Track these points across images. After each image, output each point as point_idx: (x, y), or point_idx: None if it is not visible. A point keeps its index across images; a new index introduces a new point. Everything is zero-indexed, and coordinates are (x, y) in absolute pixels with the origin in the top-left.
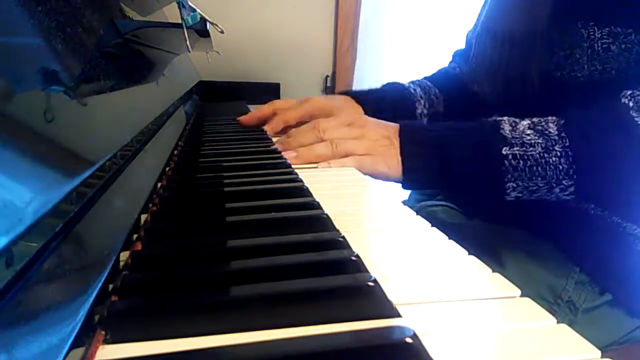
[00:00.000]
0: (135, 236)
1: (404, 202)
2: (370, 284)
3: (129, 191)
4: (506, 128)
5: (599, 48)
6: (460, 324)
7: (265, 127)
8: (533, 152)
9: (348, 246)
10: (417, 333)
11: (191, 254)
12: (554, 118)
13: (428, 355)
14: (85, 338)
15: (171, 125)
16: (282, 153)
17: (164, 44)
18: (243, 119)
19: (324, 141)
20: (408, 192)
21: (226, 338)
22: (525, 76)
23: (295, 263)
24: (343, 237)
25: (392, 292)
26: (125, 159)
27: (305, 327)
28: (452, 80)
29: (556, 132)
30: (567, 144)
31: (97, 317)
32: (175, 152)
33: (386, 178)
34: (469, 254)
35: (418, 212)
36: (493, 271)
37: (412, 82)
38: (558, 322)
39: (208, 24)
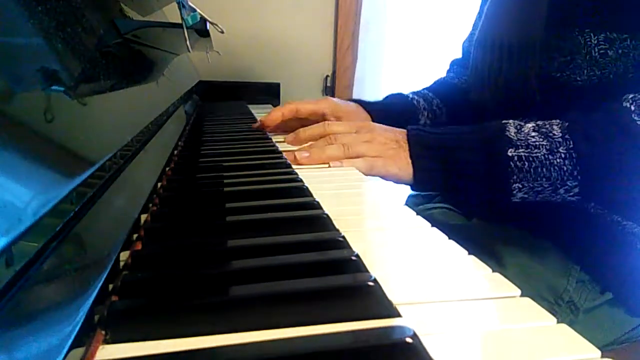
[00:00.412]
0: (135, 236)
1: None
2: (370, 283)
3: (129, 191)
4: (511, 130)
5: (596, 54)
6: (460, 324)
7: (276, 110)
8: (538, 154)
9: (348, 246)
10: (417, 333)
11: (191, 254)
12: (558, 121)
13: (428, 355)
14: (85, 338)
15: (171, 125)
16: (295, 153)
17: (164, 44)
18: (264, 118)
19: (335, 144)
20: (406, 194)
21: (226, 338)
22: (526, 82)
23: (295, 263)
24: (343, 237)
25: (392, 292)
26: (125, 159)
27: (305, 327)
28: (452, 90)
29: (560, 135)
30: (571, 145)
31: (97, 317)
32: (175, 152)
33: (397, 180)
34: (469, 254)
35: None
36: (493, 271)
37: (414, 93)
38: (558, 322)
39: (208, 24)
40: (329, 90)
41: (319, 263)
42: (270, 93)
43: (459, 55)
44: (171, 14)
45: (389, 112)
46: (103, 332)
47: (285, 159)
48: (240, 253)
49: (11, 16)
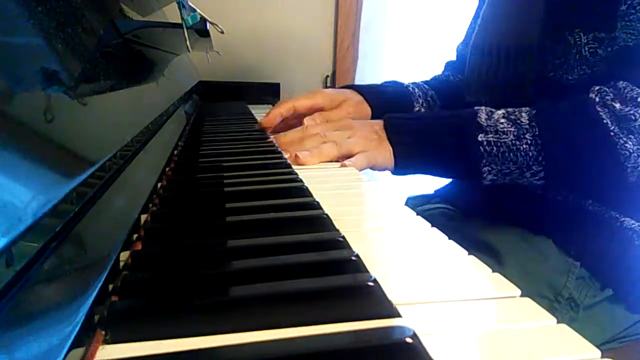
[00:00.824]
0: (135, 236)
1: None
2: (370, 284)
3: (129, 191)
4: (482, 116)
5: (586, 53)
6: (460, 324)
7: (275, 110)
8: (506, 140)
9: (348, 246)
10: (417, 333)
11: (191, 254)
12: (527, 108)
13: (428, 355)
14: (85, 338)
15: (171, 125)
16: (298, 153)
17: (164, 44)
18: (263, 121)
19: (328, 143)
20: (406, 194)
21: (226, 338)
22: (522, 84)
23: (295, 263)
24: (343, 237)
25: (392, 292)
26: (125, 159)
27: (305, 327)
28: (447, 86)
29: (527, 122)
30: (537, 132)
31: (97, 317)
32: (175, 152)
33: (384, 167)
34: (469, 254)
35: None
36: (493, 271)
37: (412, 83)
38: (559, 320)
39: (208, 24)
40: None
41: (319, 263)
42: (270, 93)
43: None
44: (171, 14)
45: (384, 97)
46: (103, 332)
47: (285, 159)
48: (240, 253)
49: (11, 16)
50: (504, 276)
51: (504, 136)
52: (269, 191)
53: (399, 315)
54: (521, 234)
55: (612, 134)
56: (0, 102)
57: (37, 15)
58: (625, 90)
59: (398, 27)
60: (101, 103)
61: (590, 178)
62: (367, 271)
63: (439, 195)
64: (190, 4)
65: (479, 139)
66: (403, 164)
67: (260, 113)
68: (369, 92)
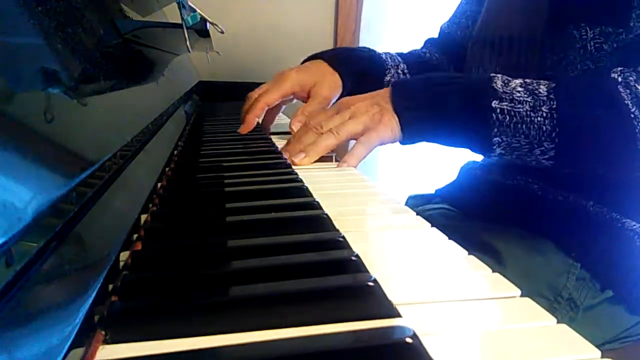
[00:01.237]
0: (135, 236)
1: None
2: (370, 284)
3: (129, 191)
4: (498, 83)
5: (592, 48)
6: (460, 324)
7: (249, 114)
8: (520, 109)
9: (348, 246)
10: (417, 333)
11: (191, 254)
12: (546, 81)
13: (428, 355)
14: (85, 338)
15: (171, 125)
16: (292, 158)
17: (164, 44)
18: (242, 129)
19: (324, 134)
20: (406, 194)
21: (226, 338)
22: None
23: (295, 263)
24: (343, 237)
25: (392, 292)
26: (125, 159)
27: (305, 327)
28: (420, 61)
29: (545, 93)
30: (554, 105)
31: (97, 317)
32: (175, 152)
33: (392, 141)
34: (469, 254)
35: None
36: (493, 271)
37: (385, 53)
38: (559, 321)
39: (208, 24)
40: None
41: (319, 263)
42: None
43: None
44: (171, 14)
45: (357, 65)
46: (103, 332)
47: (285, 159)
48: (240, 253)
49: (11, 16)
50: (504, 276)
51: (519, 106)
52: (269, 191)
53: (399, 315)
54: (521, 235)
55: (632, 115)
56: (0, 102)
57: (37, 15)
58: None
59: (398, 27)
60: (101, 103)
61: (601, 161)
62: (367, 271)
63: (440, 195)
64: (190, 4)
65: (493, 105)
66: (410, 132)
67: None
68: (339, 63)
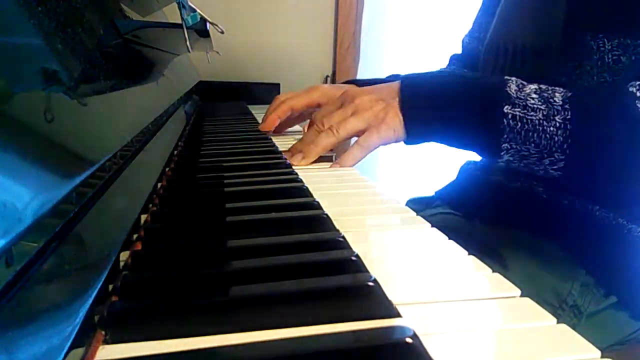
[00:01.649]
0: (135, 236)
1: None
2: (370, 284)
3: (129, 191)
4: (512, 87)
5: (609, 60)
6: (460, 324)
7: (272, 114)
8: (533, 117)
9: (348, 246)
10: (417, 333)
11: (191, 254)
12: (562, 89)
13: (428, 355)
14: (85, 338)
15: (171, 125)
16: (291, 160)
17: (164, 44)
18: (262, 126)
19: (323, 132)
20: (406, 195)
21: (226, 338)
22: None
23: (295, 263)
24: (343, 237)
25: (392, 292)
26: (125, 159)
27: (305, 327)
28: None
29: (561, 102)
30: (569, 116)
31: (97, 317)
32: (175, 152)
33: (395, 141)
34: (469, 254)
35: None
36: (493, 271)
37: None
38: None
39: (208, 24)
40: None
41: (319, 263)
42: (270, 93)
43: (459, 51)
44: (171, 14)
45: None
46: (103, 332)
47: (285, 159)
48: (240, 253)
49: (11, 16)
50: (507, 279)
51: (532, 113)
52: (269, 191)
53: (399, 315)
54: (526, 239)
55: None
56: (0, 102)
57: (37, 15)
58: None
59: (398, 26)
60: (101, 103)
61: (612, 178)
62: (367, 271)
63: (440, 197)
64: (190, 4)
65: (505, 110)
66: (415, 132)
67: (260, 113)
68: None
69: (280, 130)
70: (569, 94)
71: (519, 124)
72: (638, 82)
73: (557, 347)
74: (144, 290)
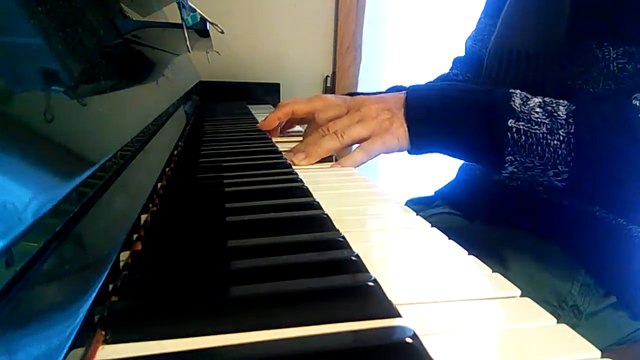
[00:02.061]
0: (135, 236)
1: None
2: (370, 284)
3: (129, 191)
4: (517, 101)
5: (614, 68)
6: (460, 324)
7: (273, 114)
8: (537, 131)
9: (348, 246)
10: (417, 333)
11: (191, 254)
12: (566, 102)
13: (428, 355)
14: (85, 338)
15: (171, 125)
16: (292, 158)
17: (164, 44)
18: (261, 124)
19: (328, 135)
20: (406, 196)
21: (226, 338)
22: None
23: (295, 263)
24: (343, 237)
25: (392, 292)
26: (125, 159)
27: (305, 327)
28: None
29: (564, 117)
30: (572, 130)
31: (97, 317)
32: (175, 152)
33: (398, 150)
34: (469, 254)
35: None
36: (493, 271)
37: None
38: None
39: (208, 24)
40: (329, 90)
41: (319, 263)
42: (270, 93)
43: (461, 53)
44: (171, 14)
45: None
46: (103, 332)
47: (285, 159)
48: (240, 253)
49: (11, 16)
50: (507, 279)
51: (536, 127)
52: (269, 191)
53: (399, 316)
54: (526, 239)
55: None
56: (1, 102)
57: (37, 15)
58: None
59: (398, 26)
60: (101, 103)
61: (615, 191)
62: (367, 271)
63: (441, 197)
64: (190, 4)
65: (509, 124)
66: (419, 143)
67: (260, 113)
68: None
69: (275, 133)
70: (573, 108)
71: (523, 137)
72: None
73: (558, 347)
74: (144, 290)
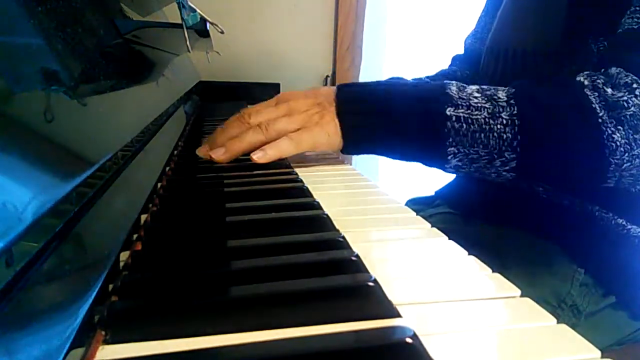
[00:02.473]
0: (135, 236)
1: None
2: (370, 284)
3: (129, 191)
4: (453, 89)
5: None
6: (460, 324)
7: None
8: (478, 116)
9: (348, 246)
10: (417, 333)
11: (191, 254)
12: (504, 87)
13: (428, 355)
14: (85, 338)
15: (171, 125)
16: (210, 153)
17: (164, 44)
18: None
19: (251, 128)
20: (406, 196)
21: (226, 338)
22: None
23: (295, 263)
24: (343, 237)
25: (392, 292)
26: (125, 159)
27: (305, 327)
28: (453, 80)
29: (505, 99)
30: (515, 112)
31: (97, 317)
32: (175, 152)
33: (329, 147)
34: (469, 254)
35: None
36: (493, 271)
37: (415, 79)
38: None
39: (208, 24)
40: None
41: (319, 263)
42: (270, 93)
43: (461, 53)
44: (171, 14)
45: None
46: (103, 332)
47: (286, 158)
48: (240, 253)
49: (11, 16)
50: (508, 280)
51: (477, 112)
52: (269, 191)
53: (399, 316)
54: (526, 239)
55: (599, 120)
56: (0, 102)
57: (37, 15)
58: (619, 76)
59: (398, 26)
60: (101, 103)
61: (566, 172)
62: (367, 271)
63: (440, 197)
64: (190, 4)
65: (448, 112)
66: (353, 139)
67: None
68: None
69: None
70: (513, 90)
71: (464, 125)
72: (587, 72)
73: (558, 347)
74: (144, 290)
